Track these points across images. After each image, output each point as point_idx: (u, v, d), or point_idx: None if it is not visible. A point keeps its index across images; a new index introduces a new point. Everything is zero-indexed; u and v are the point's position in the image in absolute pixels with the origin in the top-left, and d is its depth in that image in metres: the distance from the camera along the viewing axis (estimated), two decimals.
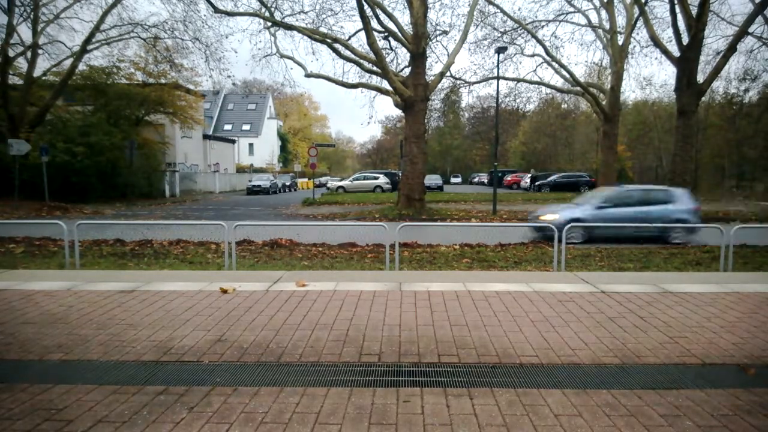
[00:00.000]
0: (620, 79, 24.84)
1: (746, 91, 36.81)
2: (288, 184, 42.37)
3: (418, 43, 17.82)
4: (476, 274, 6.66)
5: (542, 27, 25.93)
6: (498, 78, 21.16)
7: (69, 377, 3.10)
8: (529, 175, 42.11)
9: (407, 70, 19.49)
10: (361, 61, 19.64)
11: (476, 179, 56.90)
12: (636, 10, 22.28)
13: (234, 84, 32.17)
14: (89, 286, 5.41)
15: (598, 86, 28.52)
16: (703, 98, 22.78)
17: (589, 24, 25.77)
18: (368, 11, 17.86)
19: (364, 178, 37.36)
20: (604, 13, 25.16)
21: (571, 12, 28.98)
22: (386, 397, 2.84)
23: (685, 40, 18.04)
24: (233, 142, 51.27)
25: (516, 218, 16.79)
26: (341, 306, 4.64)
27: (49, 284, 5.48)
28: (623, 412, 2.68)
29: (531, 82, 27.13)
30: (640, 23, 22.61)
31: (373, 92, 22.33)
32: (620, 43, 24.38)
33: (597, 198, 12.78)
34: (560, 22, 26.28)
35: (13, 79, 23.37)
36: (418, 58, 18.11)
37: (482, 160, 65.96)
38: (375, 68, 19.17)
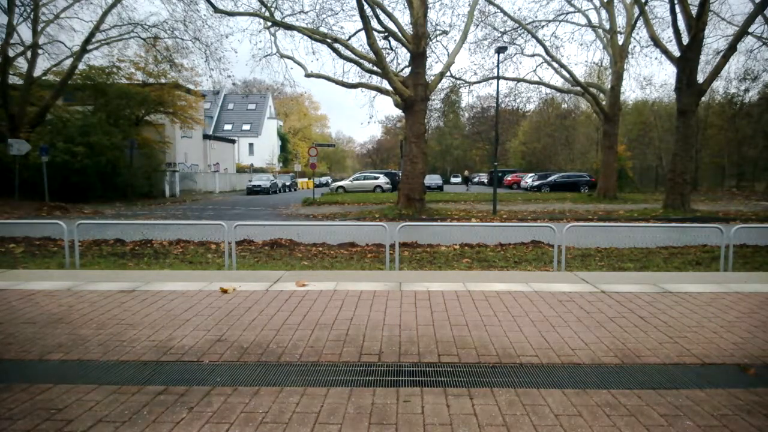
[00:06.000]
0: (620, 79, 24.86)
1: (746, 91, 36.89)
2: (288, 184, 42.39)
3: (418, 43, 17.81)
4: (476, 273, 6.66)
5: (542, 27, 25.97)
6: (498, 78, 21.15)
7: (69, 377, 3.10)
8: (464, 174, 44.77)
9: (407, 70, 19.48)
10: (361, 61, 19.64)
11: (476, 179, 56.90)
12: (636, 10, 22.29)
13: (234, 84, 32.30)
14: (89, 286, 5.41)
15: (598, 86, 28.54)
16: (703, 98, 22.77)
17: (589, 24, 25.79)
18: (368, 11, 17.87)
19: (364, 178, 37.34)
20: (604, 13, 25.20)
21: (571, 12, 29.06)
22: (386, 397, 2.84)
23: (685, 39, 18.02)
24: (233, 142, 51.26)
25: (516, 218, 16.80)
26: (341, 306, 4.64)
27: (49, 284, 5.48)
28: (623, 412, 2.68)
29: (531, 82, 27.16)
30: (640, 23, 22.63)
31: (373, 92, 22.36)
32: (620, 43, 24.40)
33: None
34: (560, 22, 26.32)
35: (13, 79, 23.38)
36: (418, 58, 18.11)
37: (482, 160, 65.99)
38: (375, 68, 19.16)
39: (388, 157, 73.05)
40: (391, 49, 21.15)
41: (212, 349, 3.57)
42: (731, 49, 18.65)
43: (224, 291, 5.18)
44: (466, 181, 44.57)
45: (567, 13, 27.71)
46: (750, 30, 19.73)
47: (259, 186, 36.37)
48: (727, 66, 21.91)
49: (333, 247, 9.70)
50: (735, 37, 19.01)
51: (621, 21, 24.95)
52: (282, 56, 21.06)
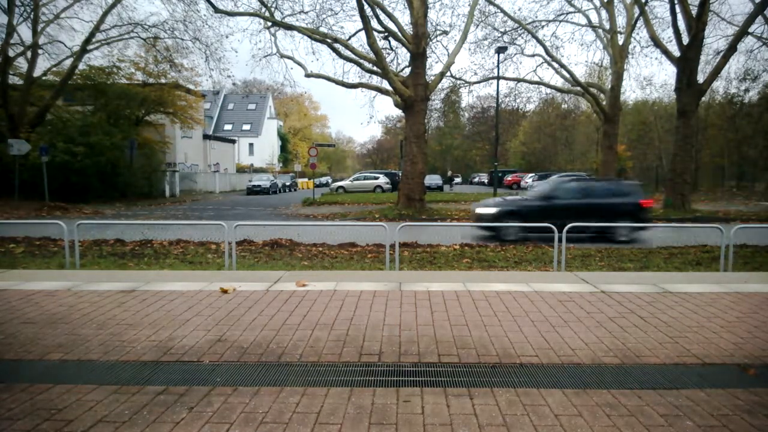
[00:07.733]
0: (620, 79, 24.83)
1: (746, 91, 36.87)
2: (288, 184, 42.38)
3: (418, 43, 17.81)
4: (476, 274, 6.66)
5: (542, 27, 25.93)
6: (498, 78, 21.18)
7: (69, 377, 3.10)
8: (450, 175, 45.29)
9: (407, 70, 19.49)
10: (361, 61, 19.64)
11: (476, 179, 56.88)
12: (636, 10, 22.27)
13: (234, 84, 32.31)
14: (89, 286, 5.41)
15: (598, 86, 28.50)
16: (703, 98, 22.78)
17: (589, 24, 25.76)
18: (368, 11, 17.88)
19: (364, 178, 37.35)
20: (604, 13, 25.15)
21: (571, 12, 28.91)
22: (386, 397, 2.84)
23: (685, 40, 18.03)
24: (233, 142, 51.26)
25: None
26: (341, 306, 4.64)
27: (49, 284, 5.48)
28: (623, 412, 2.68)
29: (531, 82, 27.11)
30: (640, 23, 22.61)
31: (373, 92, 22.37)
32: (620, 43, 24.37)
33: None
34: (560, 22, 26.26)
35: (13, 79, 23.38)
36: (418, 58, 18.11)
37: (482, 160, 65.98)
38: (375, 68, 19.17)
39: (388, 157, 73.02)
40: (391, 49, 21.16)
41: (212, 349, 3.57)
42: (731, 49, 18.66)
43: (224, 291, 5.18)
44: (450, 181, 44.33)
45: (567, 13, 27.55)
46: (750, 30, 19.73)
47: (259, 186, 36.37)
48: (727, 66, 21.94)
49: (333, 247, 9.70)
50: (735, 37, 19.02)
51: (621, 21, 24.92)
52: (282, 56, 21.07)
